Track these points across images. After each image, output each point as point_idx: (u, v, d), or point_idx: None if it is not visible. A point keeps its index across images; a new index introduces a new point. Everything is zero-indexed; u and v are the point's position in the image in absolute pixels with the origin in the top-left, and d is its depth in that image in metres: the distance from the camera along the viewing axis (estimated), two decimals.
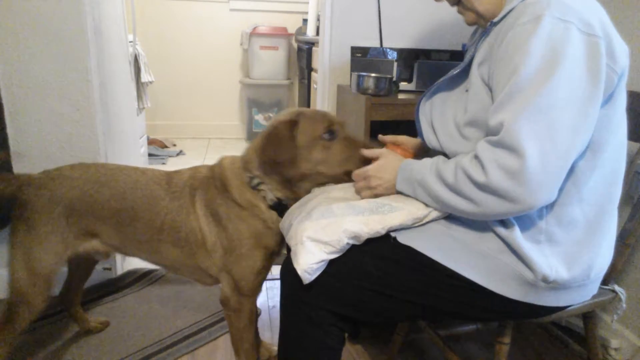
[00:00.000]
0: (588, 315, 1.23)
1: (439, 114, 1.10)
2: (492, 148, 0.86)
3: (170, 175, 1.32)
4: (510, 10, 0.95)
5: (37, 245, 1.25)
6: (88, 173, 1.30)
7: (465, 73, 1.06)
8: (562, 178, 0.86)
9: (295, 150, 1.15)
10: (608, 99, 0.91)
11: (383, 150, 1.13)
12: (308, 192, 1.23)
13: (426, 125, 1.14)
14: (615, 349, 1.62)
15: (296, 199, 1.22)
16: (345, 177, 1.18)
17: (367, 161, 1.14)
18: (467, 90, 1.02)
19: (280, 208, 1.23)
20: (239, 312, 1.29)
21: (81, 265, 1.55)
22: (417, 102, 1.18)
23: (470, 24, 1.10)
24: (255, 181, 1.23)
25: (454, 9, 1.14)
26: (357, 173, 1.12)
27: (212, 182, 1.27)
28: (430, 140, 1.12)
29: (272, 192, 1.22)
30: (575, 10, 0.86)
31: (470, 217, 0.94)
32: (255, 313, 1.35)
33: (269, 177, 1.22)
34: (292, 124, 1.17)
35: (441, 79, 1.13)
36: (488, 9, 1.03)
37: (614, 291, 1.17)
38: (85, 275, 1.60)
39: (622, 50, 0.91)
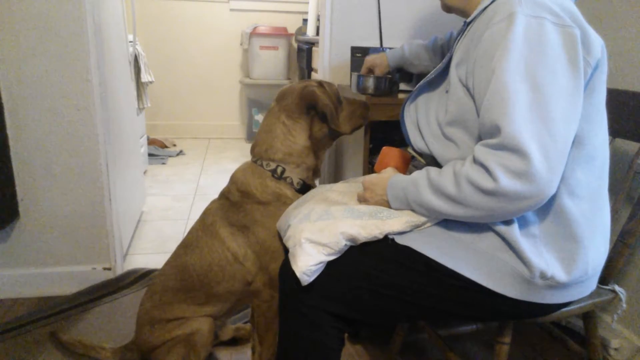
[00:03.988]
0: (588, 315, 1.23)
1: (424, 115, 1.11)
2: (494, 151, 0.85)
3: (205, 214, 1.36)
4: (484, 10, 0.97)
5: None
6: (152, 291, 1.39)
7: (445, 74, 1.07)
8: (563, 169, 0.87)
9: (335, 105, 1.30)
10: (584, 90, 0.92)
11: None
12: (322, 161, 1.38)
13: (412, 127, 1.15)
14: (615, 349, 1.62)
15: (313, 177, 1.36)
16: (352, 132, 1.39)
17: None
18: (447, 91, 1.03)
19: (304, 189, 1.31)
20: (270, 302, 1.30)
21: None
22: (402, 106, 1.19)
23: (444, 10, 1.16)
24: (280, 170, 1.28)
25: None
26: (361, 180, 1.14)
27: (227, 201, 1.32)
28: (417, 142, 1.13)
29: (295, 174, 1.29)
30: (546, 5, 0.88)
31: (472, 221, 0.94)
32: None
33: (294, 156, 1.29)
34: (322, 85, 1.29)
35: (422, 81, 1.14)
36: (456, 5, 1.09)
37: (614, 291, 1.17)
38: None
39: (596, 42, 0.92)
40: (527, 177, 0.82)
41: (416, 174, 1.00)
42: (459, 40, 1.04)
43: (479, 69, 0.92)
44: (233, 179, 1.34)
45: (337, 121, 1.31)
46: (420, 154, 1.16)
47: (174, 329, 1.32)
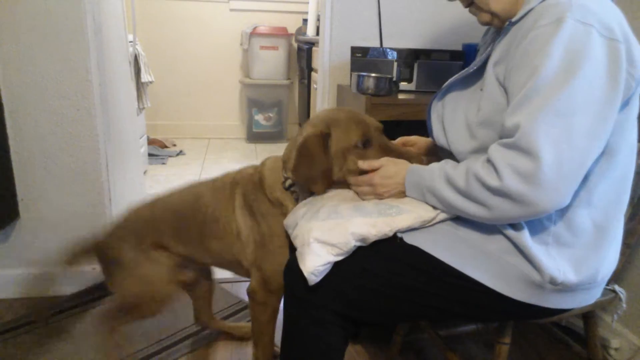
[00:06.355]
0: (588, 315, 1.23)
1: (450, 112, 1.10)
2: (506, 150, 0.85)
3: (216, 177, 1.39)
4: (530, 11, 0.94)
5: (141, 271, 1.35)
6: (146, 201, 1.41)
7: (480, 72, 1.05)
8: (578, 183, 0.85)
9: (329, 165, 1.12)
10: (624, 104, 0.91)
11: (383, 160, 1.10)
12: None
13: (437, 124, 1.14)
14: (615, 349, 1.62)
15: None
16: None
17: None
18: (481, 90, 1.02)
19: None
20: (264, 307, 1.30)
21: (198, 286, 1.60)
22: (430, 101, 1.18)
23: (484, 24, 1.08)
24: (289, 182, 1.24)
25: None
26: (361, 179, 1.10)
27: (253, 178, 1.31)
28: (439, 138, 1.12)
29: (303, 195, 1.22)
30: (596, 14, 0.86)
31: (482, 221, 0.93)
32: (278, 311, 1.34)
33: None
34: (324, 136, 1.13)
35: (454, 77, 1.12)
36: (505, 8, 1.01)
37: (614, 291, 1.17)
38: (206, 294, 1.63)
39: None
40: (533, 180, 0.81)
41: (434, 164, 1.01)
42: (499, 39, 1.02)
43: (518, 69, 0.90)
44: (264, 161, 1.33)
45: (321, 186, 1.13)
46: (441, 150, 1.15)
47: (143, 254, 1.33)
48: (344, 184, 1.16)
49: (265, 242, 1.25)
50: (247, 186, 1.30)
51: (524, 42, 0.90)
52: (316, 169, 1.12)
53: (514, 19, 0.98)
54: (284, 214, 1.23)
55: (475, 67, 1.06)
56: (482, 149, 0.98)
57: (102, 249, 1.40)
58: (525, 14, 0.95)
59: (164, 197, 1.40)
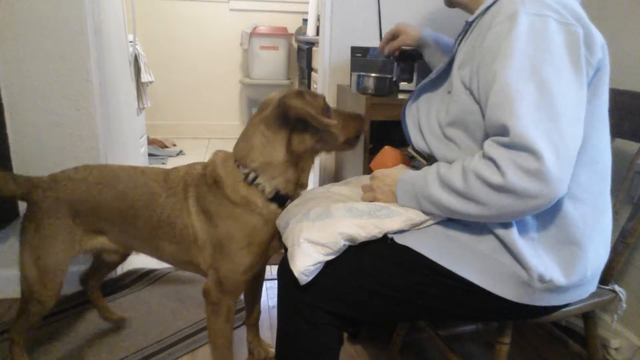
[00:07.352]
0: (588, 315, 1.23)
1: (425, 115, 1.11)
2: (505, 149, 0.84)
3: (167, 172, 1.35)
4: (487, 9, 0.96)
5: (44, 244, 1.33)
6: (91, 175, 1.35)
7: (447, 74, 1.06)
8: (572, 167, 0.86)
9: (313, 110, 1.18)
10: (590, 95, 0.91)
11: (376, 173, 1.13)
12: (307, 174, 1.28)
13: (413, 128, 1.15)
14: (615, 349, 1.62)
15: (295, 189, 1.26)
16: (346, 145, 1.30)
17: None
18: (449, 92, 1.03)
19: (280, 199, 1.23)
20: (218, 307, 1.28)
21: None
22: (403, 106, 1.19)
23: (446, 4, 1.17)
24: (252, 176, 1.22)
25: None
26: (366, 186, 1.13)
27: (204, 179, 1.28)
28: (418, 142, 1.12)
29: (270, 183, 1.22)
30: (548, 4, 0.88)
31: (483, 221, 0.93)
32: (234, 311, 1.33)
33: (271, 167, 1.21)
34: (301, 93, 1.21)
35: (423, 81, 1.14)
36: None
37: (614, 291, 1.17)
38: (111, 266, 1.64)
39: (598, 41, 0.91)
40: (540, 176, 0.81)
41: (426, 168, 0.99)
42: (460, 40, 1.03)
43: (483, 69, 0.91)
44: (213, 158, 1.29)
45: (321, 120, 1.17)
46: (421, 154, 1.16)
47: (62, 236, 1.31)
48: (323, 148, 1.26)
49: (223, 244, 1.23)
50: (199, 188, 1.27)
51: (484, 41, 0.92)
52: (308, 104, 1.18)
53: (470, 19, 1.00)
54: (252, 211, 1.22)
55: (441, 70, 1.08)
56: (456, 149, 1.00)
57: (32, 194, 1.32)
58: (482, 13, 0.97)
59: (112, 180, 1.33)
